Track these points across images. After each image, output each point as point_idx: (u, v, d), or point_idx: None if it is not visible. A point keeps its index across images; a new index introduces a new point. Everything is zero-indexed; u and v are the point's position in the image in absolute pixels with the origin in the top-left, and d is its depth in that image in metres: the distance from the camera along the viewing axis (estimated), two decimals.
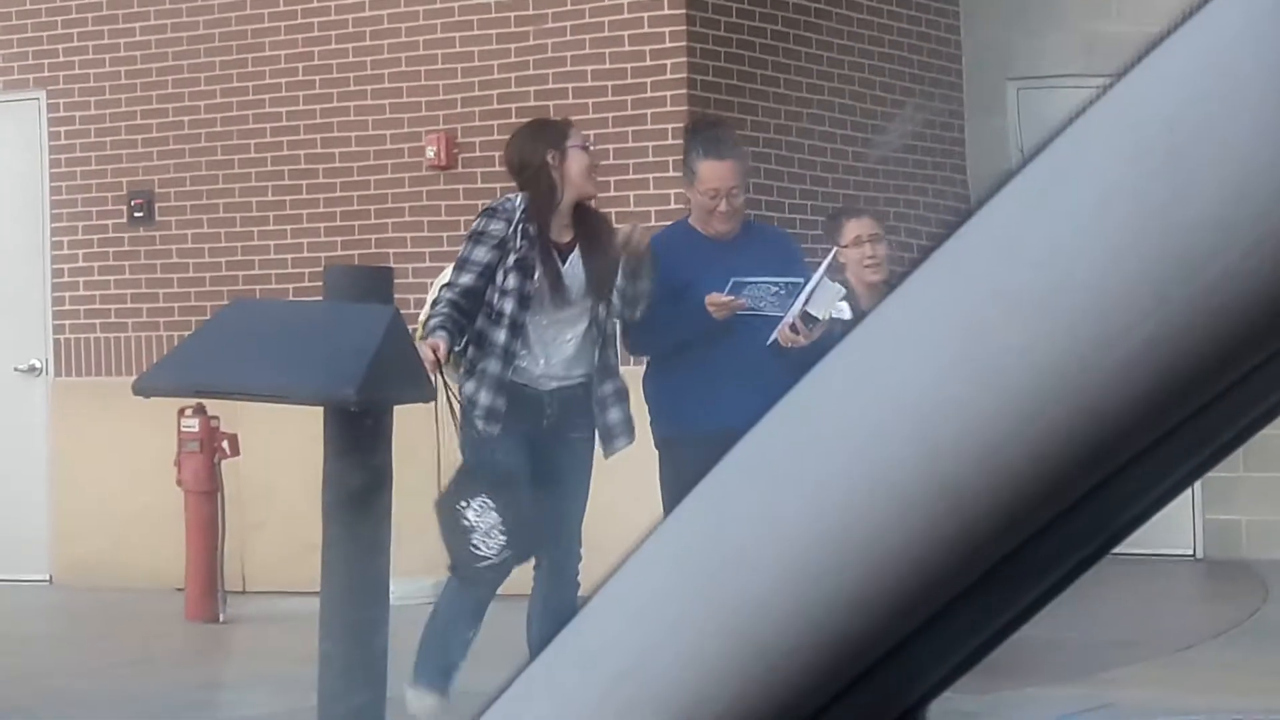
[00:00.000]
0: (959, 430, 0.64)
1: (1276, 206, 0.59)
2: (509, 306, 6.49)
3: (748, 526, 0.69)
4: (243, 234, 10.98)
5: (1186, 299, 0.60)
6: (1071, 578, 0.69)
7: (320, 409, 3.70)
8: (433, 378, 6.16)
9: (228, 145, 11.00)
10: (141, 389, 3.84)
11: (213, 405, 9.16)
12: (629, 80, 10.07)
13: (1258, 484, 9.80)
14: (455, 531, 6.63)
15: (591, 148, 6.92)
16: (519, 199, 6.62)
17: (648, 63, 10.04)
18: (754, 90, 10.26)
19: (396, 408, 3.72)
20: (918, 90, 11.15)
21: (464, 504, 6.57)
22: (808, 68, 10.51)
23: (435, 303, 6.65)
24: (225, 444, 9.53)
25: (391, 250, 10.44)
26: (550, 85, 10.23)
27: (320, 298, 4.76)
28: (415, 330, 6.53)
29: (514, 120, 10.31)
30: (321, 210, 10.79)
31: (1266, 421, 0.67)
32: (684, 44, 9.99)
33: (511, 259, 6.51)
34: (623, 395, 6.53)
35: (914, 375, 0.66)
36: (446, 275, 6.79)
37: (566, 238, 6.61)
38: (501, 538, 6.44)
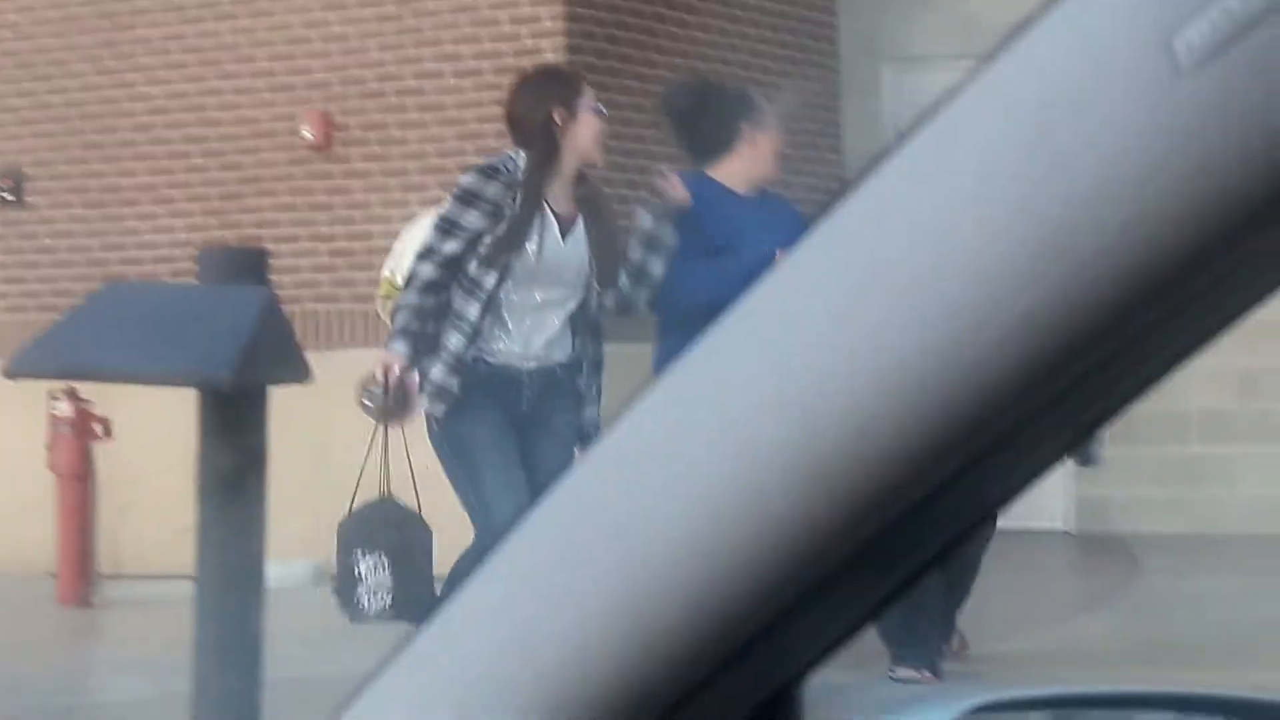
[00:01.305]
0: (834, 408, 0.65)
1: (1147, 185, 0.59)
2: (489, 280, 5.75)
3: (625, 506, 0.69)
4: (116, 215, 10.85)
5: (1059, 276, 0.61)
6: (947, 553, 0.70)
7: (194, 391, 3.67)
8: (383, 397, 5.84)
9: (100, 125, 10.86)
10: (12, 372, 3.79)
11: (85, 388, 9.06)
12: (507, 61, 10.03)
13: (1127, 459, 9.93)
14: (343, 574, 6.22)
15: (604, 112, 6.06)
16: (519, 158, 5.82)
17: (526, 44, 10.02)
18: (632, 71, 10.26)
19: (273, 389, 3.69)
20: (794, 71, 11.19)
21: (360, 553, 6.18)
22: (685, 49, 10.52)
23: (410, 280, 5.85)
24: (97, 427, 9.42)
25: (267, 231, 10.36)
26: (428, 65, 10.18)
27: (194, 279, 4.72)
28: (381, 296, 6.22)
29: (391, 100, 10.27)
30: (196, 191, 10.68)
31: (1137, 397, 0.68)
32: (562, 25, 9.97)
33: (505, 228, 5.73)
34: (601, 394, 5.92)
35: (790, 353, 0.66)
36: (417, 232, 6.05)
37: (567, 209, 5.83)
38: (387, 599, 6.05)
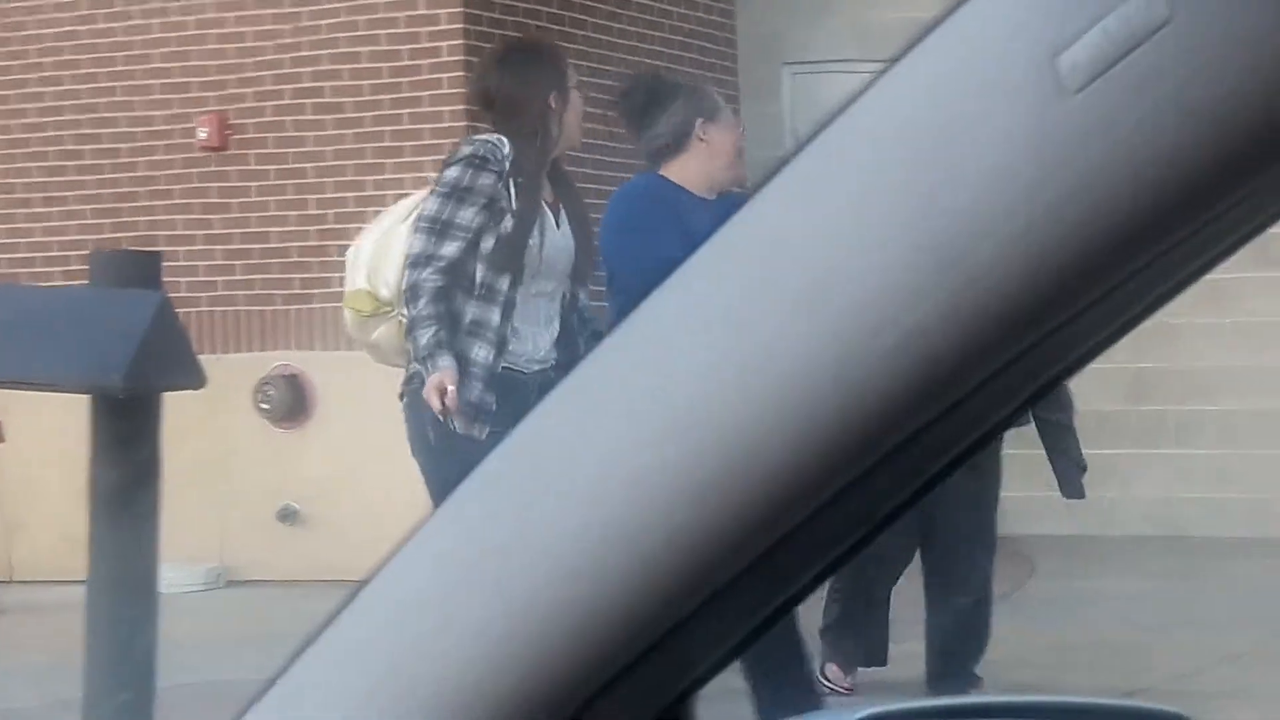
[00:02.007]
0: (727, 422, 0.65)
1: (1032, 201, 0.60)
2: (503, 282, 5.25)
3: (515, 521, 0.69)
4: (6, 217, 10.72)
5: (948, 290, 0.61)
6: (843, 561, 0.70)
7: (87, 397, 3.63)
8: (444, 419, 5.02)
9: None
10: None
11: None
12: (405, 62, 9.99)
13: (1022, 461, 10.01)
14: None
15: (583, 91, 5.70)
16: (505, 144, 5.30)
17: (424, 44, 9.98)
18: None
19: (166, 394, 3.66)
20: (693, 74, 11.20)
21: None
22: (584, 50, 10.52)
23: (415, 290, 5.25)
24: None
25: (162, 232, 10.26)
26: (325, 66, 10.12)
27: (87, 282, 4.66)
28: (354, 312, 5.51)
29: (288, 101, 10.20)
30: (89, 193, 10.57)
31: (1031, 405, 0.68)
32: (460, 26, 9.94)
33: (508, 223, 5.25)
34: None
35: (682, 367, 0.66)
36: (387, 238, 5.47)
37: (550, 197, 5.43)
38: None
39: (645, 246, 5.21)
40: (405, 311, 5.27)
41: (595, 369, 0.69)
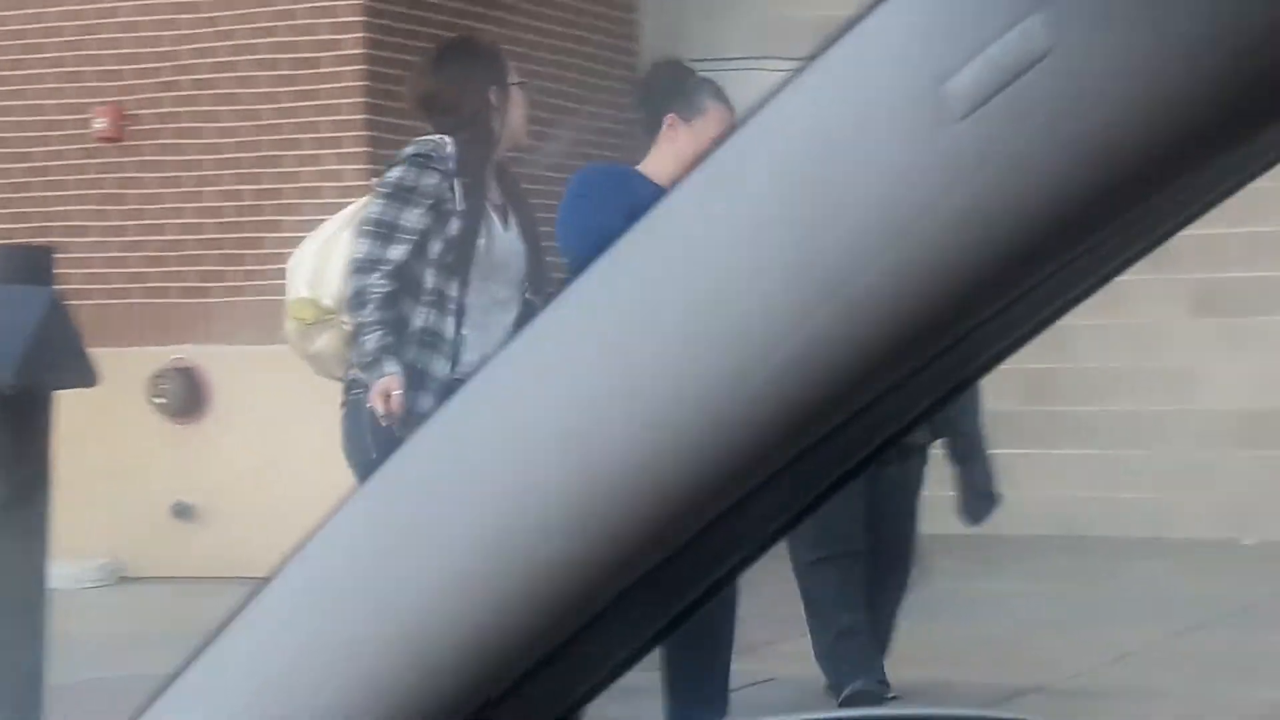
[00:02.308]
0: (620, 434, 0.65)
1: (917, 228, 0.61)
2: (452, 288, 5.12)
3: (403, 535, 0.69)
4: None
5: (835, 312, 0.62)
6: (733, 576, 0.71)
7: None
8: (388, 425, 4.87)
9: None
10: None
11: None
12: (305, 55, 9.93)
13: None
14: None
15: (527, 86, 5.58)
16: (449, 144, 5.18)
17: (323, 37, 9.93)
18: None
19: (58, 392, 3.62)
20: (595, 70, 11.21)
21: None
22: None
23: (360, 296, 5.08)
24: None
25: (56, 224, 10.16)
26: (224, 59, 10.05)
27: None
28: (296, 321, 5.29)
29: (186, 92, 10.12)
30: None
31: (921, 421, 0.69)
32: (361, 19, 9.89)
33: (454, 224, 5.12)
34: None
35: (575, 380, 0.66)
36: (329, 246, 5.28)
37: (498, 199, 5.28)
38: None
39: (592, 218, 4.88)
40: (349, 318, 5.10)
41: (490, 378, 0.69)
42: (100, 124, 10.21)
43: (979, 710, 1.10)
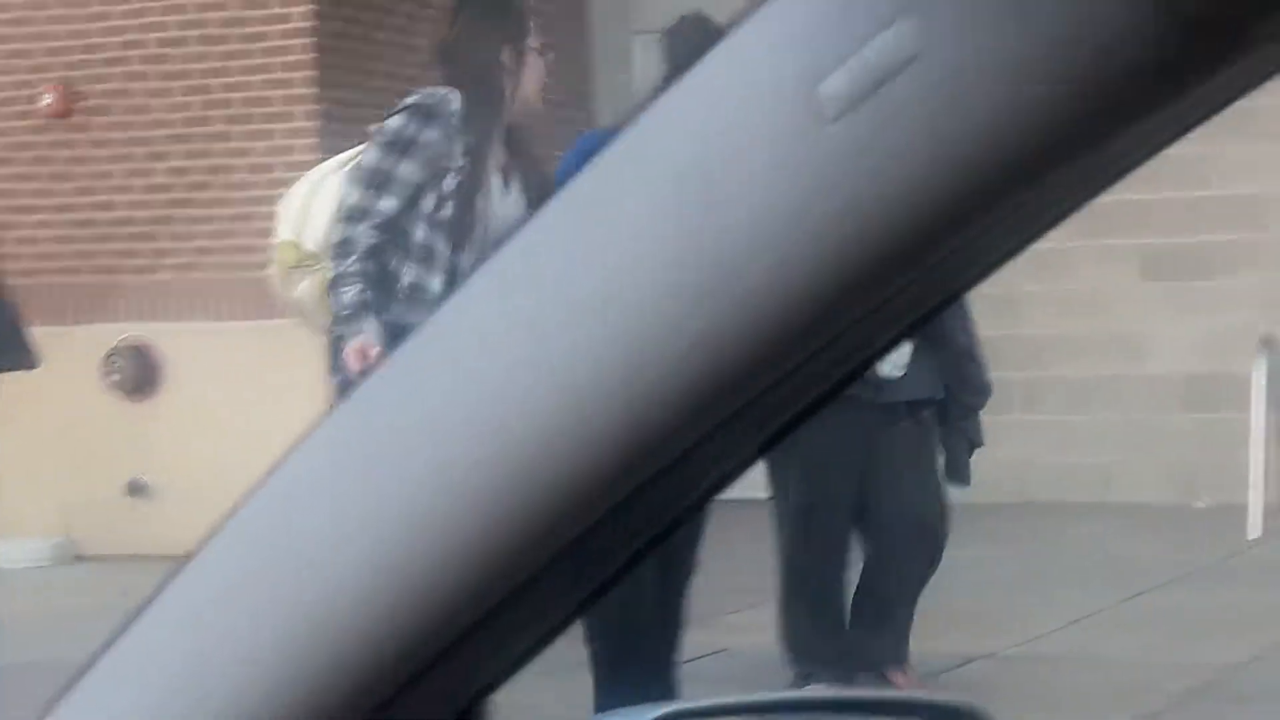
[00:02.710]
0: (524, 428, 0.66)
1: (795, 227, 0.62)
2: (442, 245, 4.87)
3: (306, 529, 0.70)
4: None
5: (725, 305, 0.64)
6: (640, 558, 0.72)
7: None
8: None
9: None
10: None
11: None
12: (254, 29, 9.89)
13: None
14: None
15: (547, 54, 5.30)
16: (455, 99, 4.92)
17: (273, 9, 9.88)
18: (380, 38, 10.18)
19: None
20: (544, 42, 11.18)
21: None
22: (433, 15, 10.46)
23: (346, 245, 4.87)
24: None
25: (4, 202, 10.10)
26: (173, 33, 10.00)
27: None
28: (282, 264, 5.08)
29: (135, 67, 10.06)
30: None
31: (811, 411, 0.71)
32: None
33: (451, 180, 4.86)
34: None
35: (479, 376, 0.67)
36: (321, 189, 5.07)
37: (503, 161, 5.04)
38: None
39: None
40: (331, 266, 4.89)
41: (395, 372, 0.70)
42: (48, 100, 10.15)
43: (929, 695, 1.11)
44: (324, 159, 9.48)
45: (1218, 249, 10.70)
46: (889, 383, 5.62)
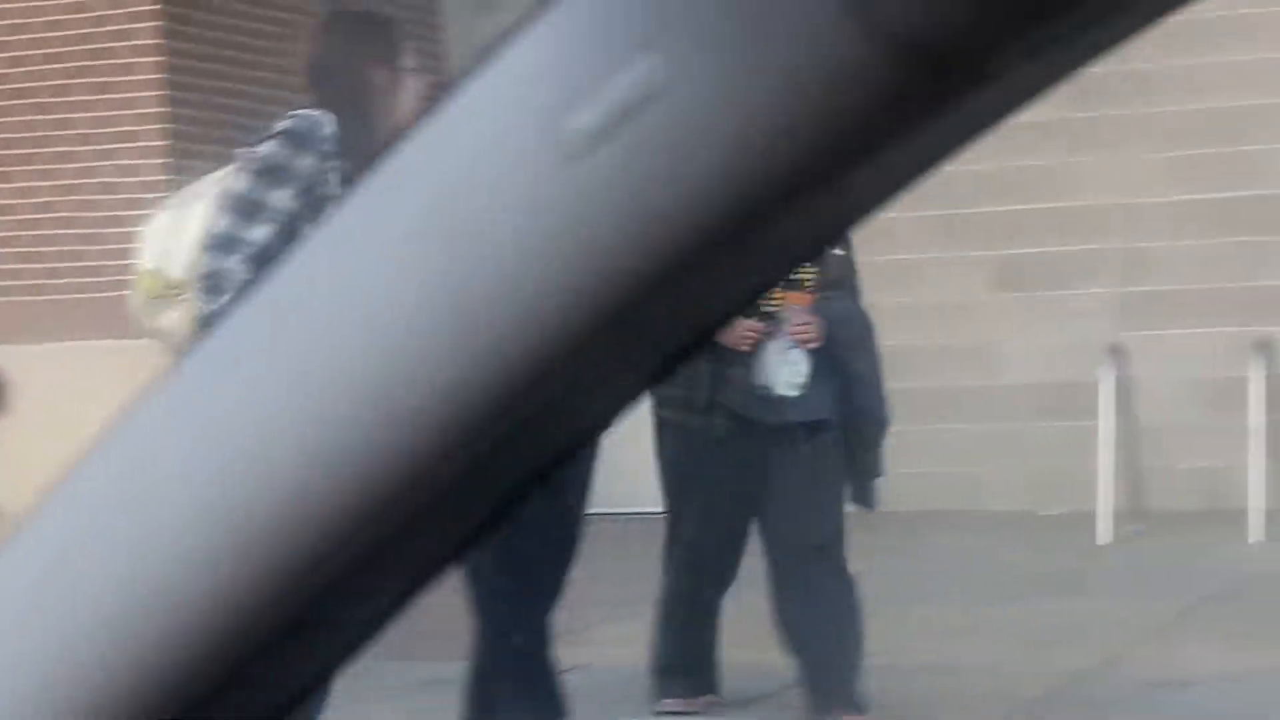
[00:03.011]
0: (280, 460, 0.66)
1: (543, 265, 0.63)
2: None
3: (87, 542, 0.70)
4: None
5: (481, 346, 0.64)
6: (425, 581, 0.72)
7: None
8: None
9: None
10: None
11: None
12: (100, 45, 9.79)
13: None
14: None
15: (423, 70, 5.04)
16: (328, 123, 4.69)
17: (120, 26, 9.79)
18: (225, 24, 10.10)
19: None
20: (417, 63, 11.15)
21: None
22: (270, 13, 10.40)
23: (216, 279, 4.63)
24: None
25: None
26: (17, 53, 9.87)
27: None
28: (144, 295, 4.85)
29: None
30: None
31: (582, 442, 0.71)
32: (155, 7, 9.76)
33: (326, 209, 4.75)
34: None
35: (235, 405, 0.67)
36: (183, 216, 4.80)
37: None
38: None
39: None
40: (201, 302, 4.66)
41: (170, 385, 0.70)
42: None
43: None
44: (173, 178, 9.43)
45: (1070, 258, 10.86)
46: (786, 402, 5.57)
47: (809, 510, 5.69)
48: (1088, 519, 9.50)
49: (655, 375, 0.71)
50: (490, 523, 0.72)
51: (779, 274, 0.71)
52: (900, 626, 7.18)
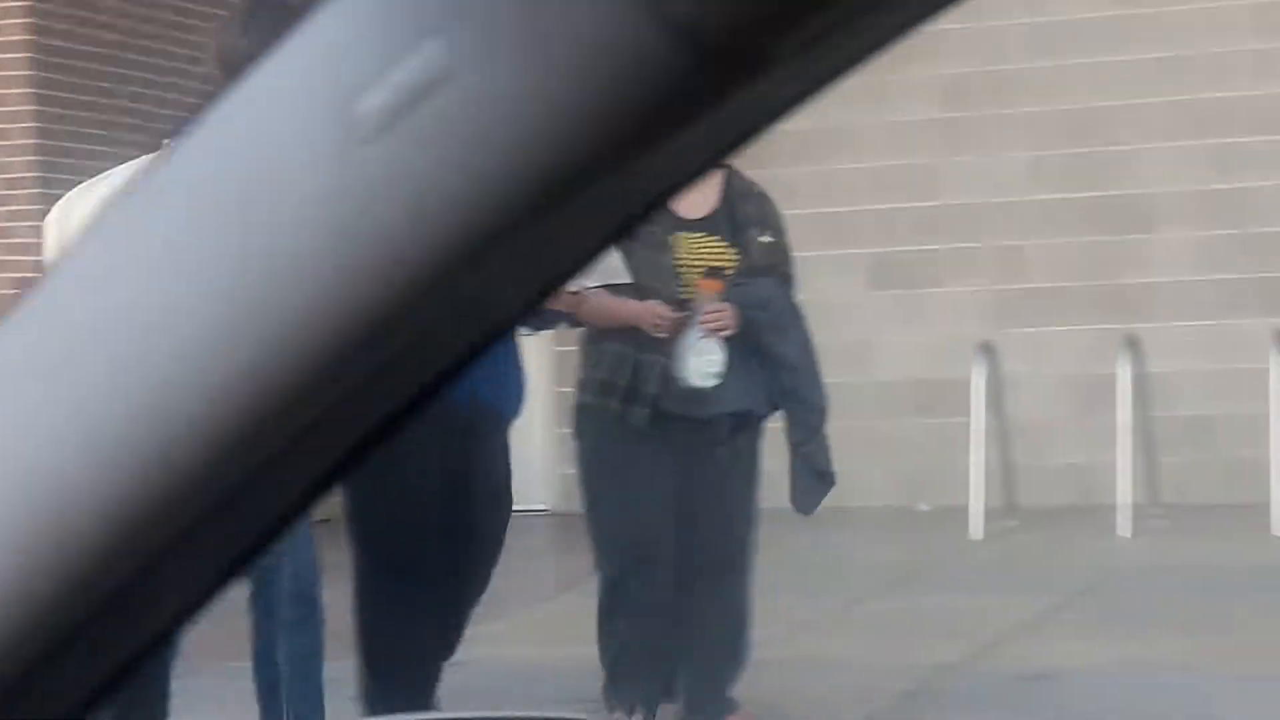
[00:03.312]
0: (60, 459, 0.66)
1: (335, 251, 0.62)
2: None
3: None
4: None
5: (270, 335, 0.64)
6: (211, 596, 0.71)
7: None
8: None
9: None
10: None
11: None
12: None
13: None
14: None
15: None
16: None
17: None
18: (99, 19, 9.99)
19: None
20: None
21: None
22: (197, 25, 10.30)
23: None
24: None
25: None
26: None
27: None
28: None
29: None
30: None
31: (386, 439, 0.71)
32: (25, 20, 9.64)
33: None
34: None
35: (21, 387, 0.66)
36: (97, 194, 4.62)
37: None
38: None
39: None
40: None
41: None
42: None
43: (539, 713, 1.12)
44: (43, 175, 9.32)
45: (943, 257, 10.95)
46: (704, 394, 5.34)
47: (718, 519, 5.55)
48: (960, 514, 9.59)
49: (451, 370, 0.70)
50: (284, 521, 0.71)
51: (574, 263, 0.71)
52: (773, 621, 7.21)
